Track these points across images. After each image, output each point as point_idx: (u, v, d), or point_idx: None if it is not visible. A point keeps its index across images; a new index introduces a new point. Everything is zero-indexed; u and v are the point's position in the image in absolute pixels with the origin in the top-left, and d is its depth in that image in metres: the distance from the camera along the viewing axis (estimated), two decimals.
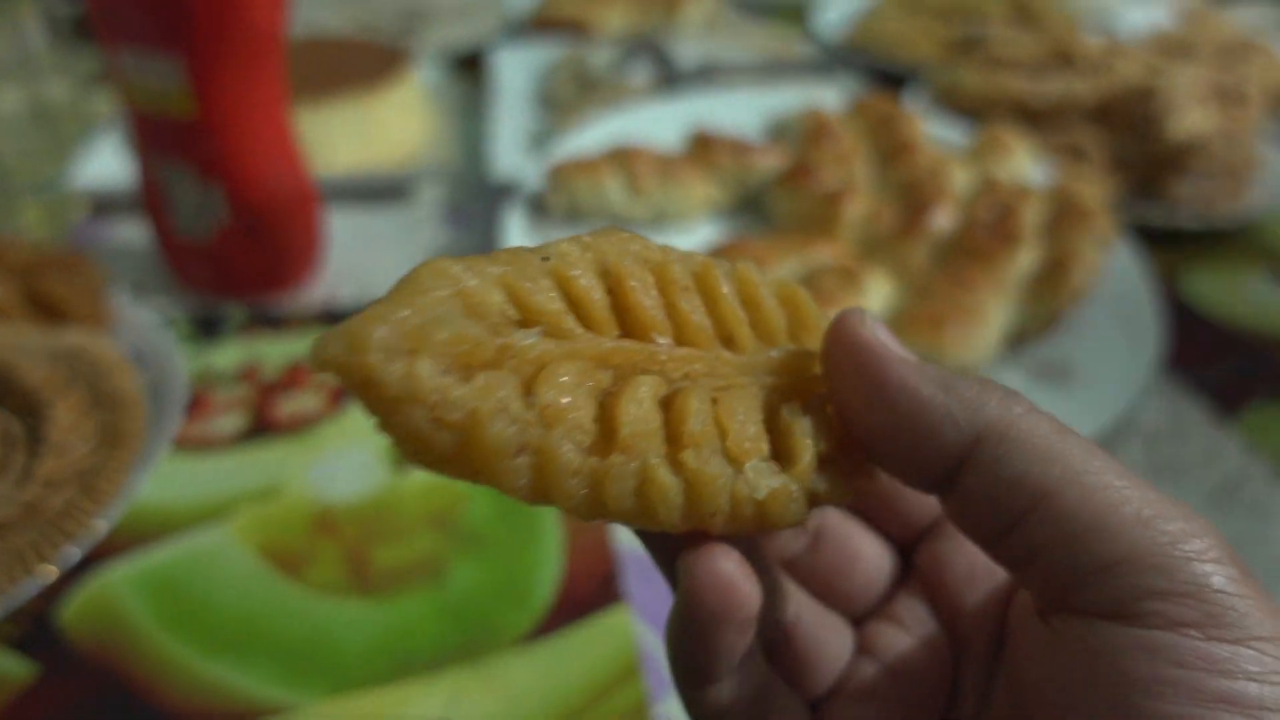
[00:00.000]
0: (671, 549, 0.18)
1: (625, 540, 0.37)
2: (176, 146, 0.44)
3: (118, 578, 0.34)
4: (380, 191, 0.60)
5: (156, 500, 0.37)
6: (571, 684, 0.31)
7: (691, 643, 0.17)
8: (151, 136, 0.45)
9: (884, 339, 0.18)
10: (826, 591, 0.22)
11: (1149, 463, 0.43)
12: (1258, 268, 0.60)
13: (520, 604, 0.34)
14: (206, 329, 0.47)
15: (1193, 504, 0.41)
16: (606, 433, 0.17)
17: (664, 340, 0.18)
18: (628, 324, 0.18)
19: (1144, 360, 0.46)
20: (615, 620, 0.34)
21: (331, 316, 0.49)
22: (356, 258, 0.54)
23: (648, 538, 0.20)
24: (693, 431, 0.17)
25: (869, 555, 0.22)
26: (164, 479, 0.38)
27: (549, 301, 0.17)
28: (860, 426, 0.18)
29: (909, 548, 0.22)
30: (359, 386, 0.15)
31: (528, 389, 0.16)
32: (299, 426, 0.41)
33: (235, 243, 0.48)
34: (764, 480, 0.17)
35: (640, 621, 0.34)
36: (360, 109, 0.60)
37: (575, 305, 0.17)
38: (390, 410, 0.15)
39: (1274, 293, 0.57)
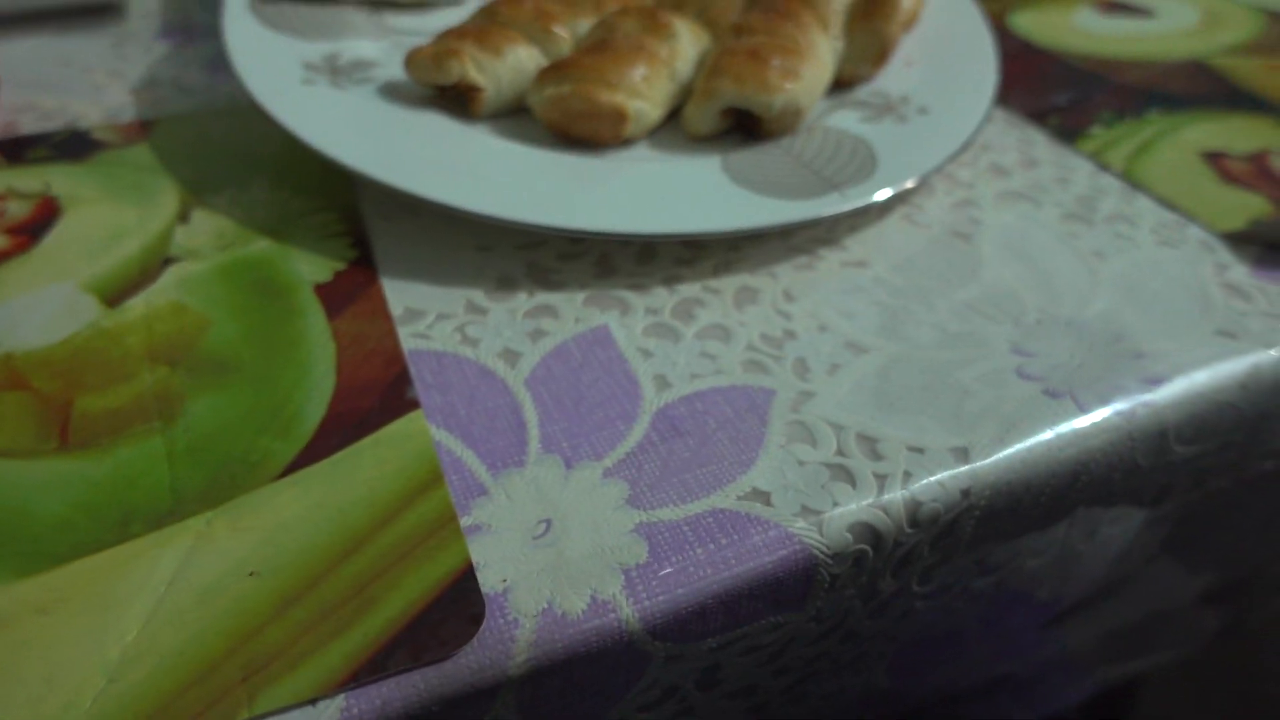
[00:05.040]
0: None
1: (414, 339, 0.30)
2: None
3: None
4: (74, 11, 0.48)
5: None
6: (353, 506, 0.24)
7: None
8: None
9: None
10: None
11: (1004, 190, 0.39)
12: (1083, 1, 0.56)
13: (282, 432, 0.26)
14: None
15: (1053, 222, 0.37)
16: None
17: None
18: None
19: (985, 87, 0.42)
20: (405, 429, 0.27)
21: (14, 144, 0.38)
22: (42, 89, 0.43)
23: None
24: None
25: None
26: None
27: None
28: None
29: None
30: None
31: None
32: None
33: None
34: None
35: (437, 428, 0.27)
36: None
37: None
38: None
39: (1100, 22, 0.54)
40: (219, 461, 0.25)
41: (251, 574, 0.23)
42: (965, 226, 0.37)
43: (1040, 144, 0.43)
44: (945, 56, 0.44)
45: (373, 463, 0.26)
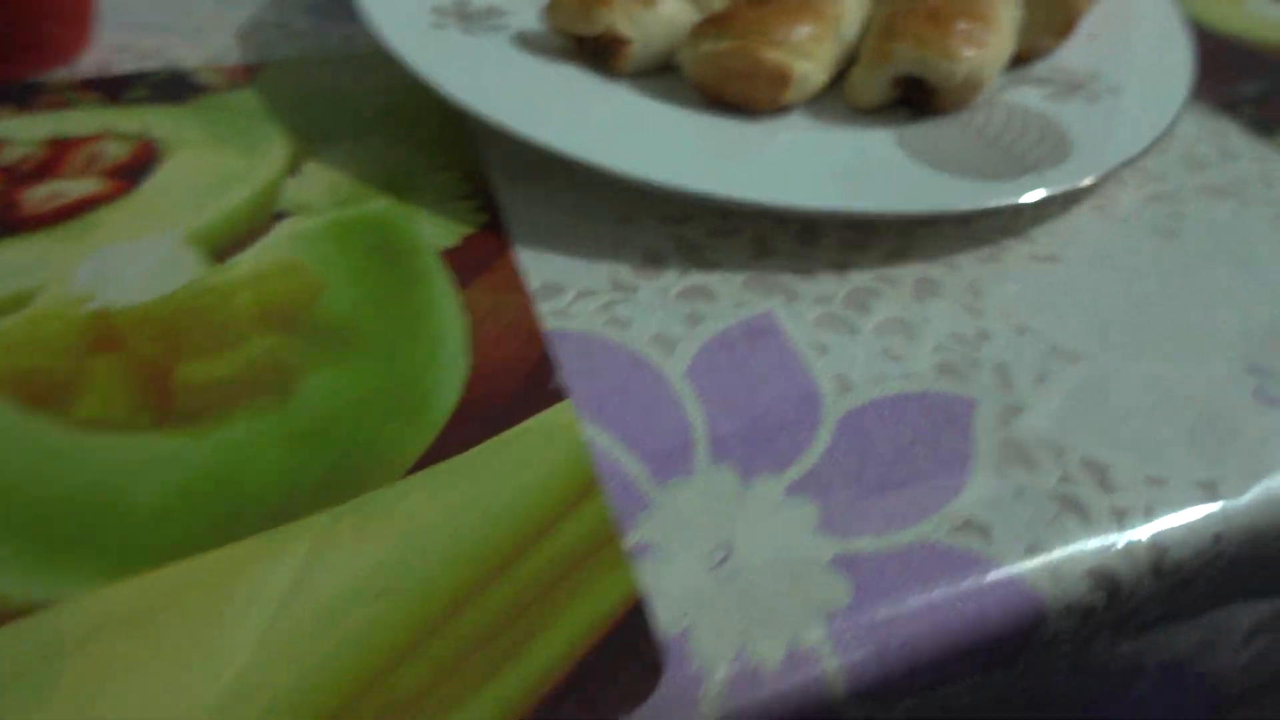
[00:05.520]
0: None
1: (555, 318, 0.26)
2: None
3: None
4: None
5: None
6: (499, 516, 0.21)
7: None
8: None
9: None
10: None
11: (1204, 185, 0.34)
12: None
13: (411, 418, 0.23)
14: None
15: (1267, 223, 0.32)
16: None
17: None
18: None
19: (1181, 65, 0.37)
20: (552, 422, 0.23)
21: (112, 83, 0.35)
22: (141, 29, 0.40)
23: None
24: None
25: None
26: None
27: None
28: None
29: None
30: None
31: None
32: (63, 217, 0.28)
33: None
34: None
35: (589, 422, 0.23)
36: None
37: None
38: None
39: (1277, 9, 0.48)
40: (340, 448, 0.22)
41: (381, 594, 0.19)
42: (1167, 223, 0.32)
43: (1234, 136, 0.38)
44: (1131, 31, 0.39)
45: (518, 463, 0.22)
